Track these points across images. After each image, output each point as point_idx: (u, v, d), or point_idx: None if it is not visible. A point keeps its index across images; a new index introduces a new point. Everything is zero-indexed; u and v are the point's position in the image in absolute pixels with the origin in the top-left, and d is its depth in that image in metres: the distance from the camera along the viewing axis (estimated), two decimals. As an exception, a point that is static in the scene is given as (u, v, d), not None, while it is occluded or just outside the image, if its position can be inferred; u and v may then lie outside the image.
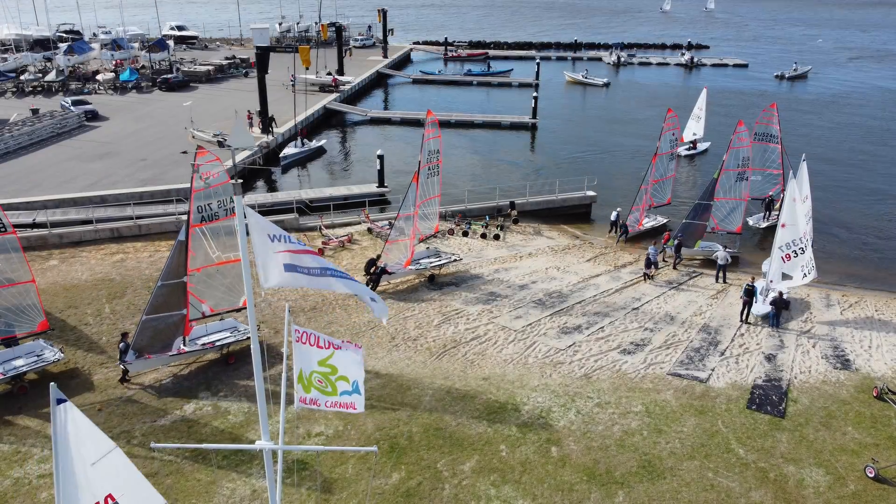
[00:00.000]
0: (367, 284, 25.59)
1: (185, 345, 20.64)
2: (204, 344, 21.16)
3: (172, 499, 15.15)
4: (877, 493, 15.89)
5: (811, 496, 15.76)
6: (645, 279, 28.06)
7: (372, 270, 26.23)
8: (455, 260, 28.47)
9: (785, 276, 25.35)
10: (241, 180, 7.87)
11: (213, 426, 17.72)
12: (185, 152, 40.74)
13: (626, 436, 17.71)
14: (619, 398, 19.43)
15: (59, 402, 7.46)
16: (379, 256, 26.60)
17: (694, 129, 47.88)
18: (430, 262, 27.70)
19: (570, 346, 22.45)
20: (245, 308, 22.83)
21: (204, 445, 8.30)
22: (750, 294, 24.33)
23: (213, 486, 15.56)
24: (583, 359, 21.72)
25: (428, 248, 29.25)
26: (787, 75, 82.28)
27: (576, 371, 20.97)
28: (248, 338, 21.46)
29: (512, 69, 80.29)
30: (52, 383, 7.69)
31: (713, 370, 21.19)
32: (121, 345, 19.62)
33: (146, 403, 18.74)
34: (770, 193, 35.27)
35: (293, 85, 55.91)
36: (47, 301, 23.55)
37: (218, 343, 21.22)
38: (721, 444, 17.52)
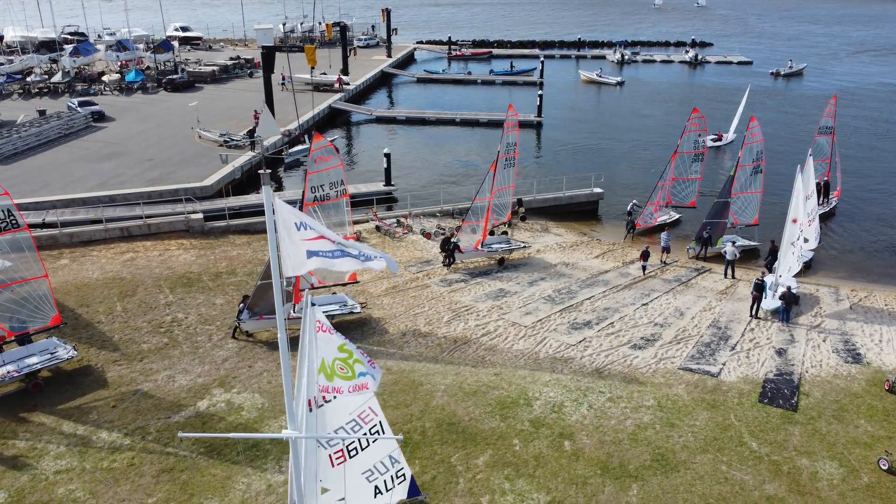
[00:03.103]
0: (444, 260, 28.22)
1: (294, 311, 21.94)
2: None
3: (189, 493, 15.24)
4: (891, 486, 15.90)
5: (825, 488, 15.78)
6: (643, 271, 28.14)
7: (448, 247, 28.01)
8: (524, 247, 30.34)
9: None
10: (270, 170, 8.24)
11: (227, 421, 17.76)
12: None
13: (639, 430, 17.74)
14: (630, 392, 19.47)
15: (313, 304, 9.42)
16: (453, 234, 28.55)
17: (736, 122, 49.36)
18: (501, 248, 29.57)
19: (580, 342, 22.49)
20: (351, 283, 24.67)
21: (230, 435, 8.39)
22: (759, 289, 24.34)
23: (228, 480, 15.62)
24: (593, 354, 21.76)
25: (502, 234, 31.15)
26: (782, 72, 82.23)
27: (587, 366, 21.00)
28: (353, 313, 23.21)
29: (535, 68, 79.54)
30: (306, 292, 9.29)
31: (724, 364, 21.21)
32: (240, 305, 22.02)
33: (160, 399, 18.83)
34: (825, 177, 36.13)
35: (283, 85, 55.84)
36: (59, 300, 23.64)
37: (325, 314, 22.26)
38: (734, 437, 17.54)
